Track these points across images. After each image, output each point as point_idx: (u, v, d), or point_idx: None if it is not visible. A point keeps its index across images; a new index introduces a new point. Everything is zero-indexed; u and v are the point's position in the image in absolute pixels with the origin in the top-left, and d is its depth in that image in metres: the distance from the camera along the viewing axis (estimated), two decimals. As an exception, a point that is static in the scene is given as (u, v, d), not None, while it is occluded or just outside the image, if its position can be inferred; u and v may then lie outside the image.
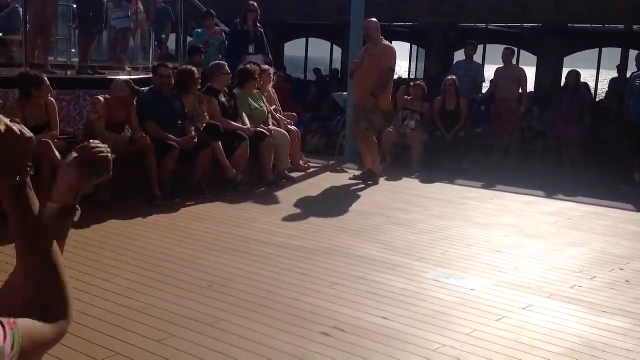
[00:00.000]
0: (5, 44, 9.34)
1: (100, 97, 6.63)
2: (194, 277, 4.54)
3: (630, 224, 6.73)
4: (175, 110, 7.08)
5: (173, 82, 7.20)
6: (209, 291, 4.28)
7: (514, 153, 10.43)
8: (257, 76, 8.14)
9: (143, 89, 7.18)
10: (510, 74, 10.48)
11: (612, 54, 16.87)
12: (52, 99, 6.39)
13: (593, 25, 15.47)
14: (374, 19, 8.37)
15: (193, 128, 7.10)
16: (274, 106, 8.77)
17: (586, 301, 4.38)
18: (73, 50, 9.32)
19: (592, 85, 14.64)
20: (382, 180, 8.46)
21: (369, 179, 8.19)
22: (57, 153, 5.93)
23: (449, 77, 10.19)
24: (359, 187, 7.99)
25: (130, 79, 7.08)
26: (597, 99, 14.04)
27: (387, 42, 8.30)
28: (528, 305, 4.25)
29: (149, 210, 6.26)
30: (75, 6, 8.97)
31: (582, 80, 10.57)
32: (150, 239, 5.37)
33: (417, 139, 9.65)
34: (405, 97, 10.08)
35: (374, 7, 13.85)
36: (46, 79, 6.21)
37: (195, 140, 6.91)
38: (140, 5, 9.63)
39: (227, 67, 7.93)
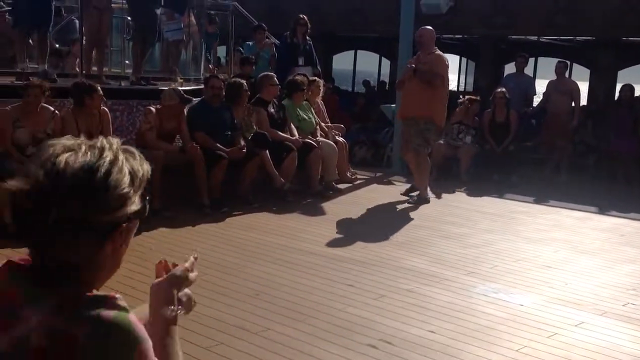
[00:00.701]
0: (61, 55, 9.63)
1: (151, 108, 6.76)
2: (241, 285, 4.57)
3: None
4: (225, 121, 7.18)
5: (223, 93, 7.33)
6: (256, 300, 4.30)
7: (565, 167, 10.23)
8: (305, 87, 8.19)
9: (194, 99, 7.31)
10: (562, 87, 10.31)
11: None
12: (106, 109, 6.55)
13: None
14: (430, 27, 7.90)
15: (242, 139, 7.19)
16: (323, 117, 8.81)
17: (637, 318, 4.26)
18: (127, 62, 9.54)
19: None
20: (429, 192, 8.37)
21: (420, 202, 7.64)
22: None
23: (499, 90, 10.07)
24: (406, 199, 7.93)
25: (182, 89, 7.20)
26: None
27: (440, 52, 7.80)
28: (580, 323, 4.15)
29: (198, 218, 6.34)
30: (129, 18, 9.18)
31: (637, 94, 10.34)
32: (199, 248, 5.43)
33: (467, 152, 9.57)
34: (461, 110, 9.99)
35: (424, 19, 13.88)
36: (99, 88, 6.36)
37: (244, 150, 6.99)
38: (193, 18, 9.81)
39: (275, 78, 8.01)
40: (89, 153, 1.21)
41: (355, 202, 7.58)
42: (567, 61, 11.81)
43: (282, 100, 8.15)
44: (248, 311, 4.09)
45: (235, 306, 4.17)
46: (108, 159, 1.21)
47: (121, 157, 1.24)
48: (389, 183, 8.99)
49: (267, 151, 7.30)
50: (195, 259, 1.58)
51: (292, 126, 7.96)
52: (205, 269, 4.87)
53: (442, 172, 9.58)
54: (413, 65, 7.54)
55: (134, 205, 1.25)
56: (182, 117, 6.91)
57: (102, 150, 1.23)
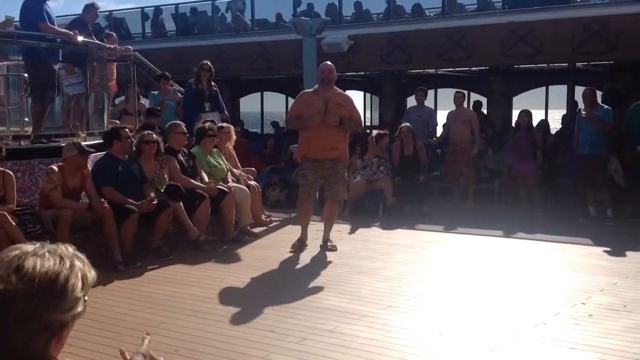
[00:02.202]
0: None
1: (53, 167, 6.58)
2: (159, 342, 4.45)
3: (589, 257, 6.88)
4: (133, 172, 7.06)
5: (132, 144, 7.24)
6: (175, 357, 4.21)
7: (472, 194, 10.61)
8: (213, 133, 8.18)
9: (95, 152, 7.16)
10: (461, 117, 10.75)
11: (559, 92, 17.43)
12: (10, 172, 6.32)
13: (538, 65, 16.01)
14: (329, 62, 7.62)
15: (153, 191, 7.08)
16: (234, 162, 8.80)
17: (552, 337, 4.44)
18: (26, 119, 9.25)
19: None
20: (344, 229, 8.50)
21: (333, 248, 7.31)
22: (14, 224, 5.86)
23: (404, 125, 10.43)
24: (321, 238, 7.98)
25: (86, 144, 7.05)
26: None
27: (341, 90, 7.61)
28: (495, 347, 4.28)
29: (111, 276, 6.16)
30: (26, 75, 8.93)
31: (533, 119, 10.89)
32: (113, 306, 5.27)
33: (386, 182, 9.81)
34: (375, 145, 10.26)
35: (325, 57, 14.19)
36: (-1, 148, 6.14)
37: (155, 202, 6.87)
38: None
39: (182, 127, 7.97)
40: (51, 259, 1.40)
41: (271, 245, 7.59)
42: (464, 91, 12.33)
43: (191, 149, 8.11)
44: (169, 369, 4.00)
45: (155, 365, 4.06)
46: (67, 265, 1.41)
47: (76, 263, 1.43)
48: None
49: (181, 202, 7.22)
50: (148, 340, 1.96)
51: (203, 174, 7.92)
52: (123, 328, 4.74)
53: (357, 206, 9.77)
54: (337, 117, 7.13)
55: (80, 307, 1.44)
56: (87, 172, 6.75)
57: (61, 257, 1.42)
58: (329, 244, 7.37)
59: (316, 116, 7.15)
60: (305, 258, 6.98)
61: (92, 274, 1.48)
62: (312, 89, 7.54)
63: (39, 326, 1.37)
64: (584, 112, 9.28)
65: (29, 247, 1.43)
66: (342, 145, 7.31)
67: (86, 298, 1.46)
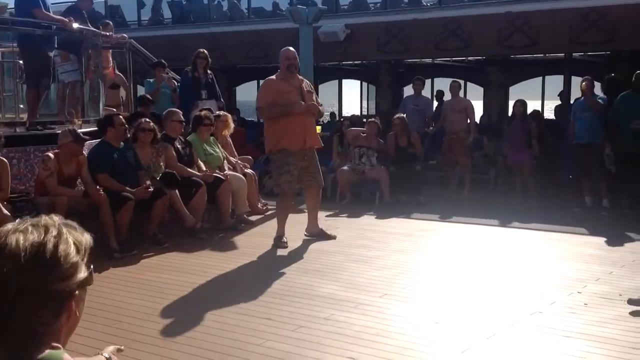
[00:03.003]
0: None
1: (49, 154, 6.55)
2: (154, 329, 4.47)
3: (584, 246, 6.89)
4: (128, 160, 7.04)
5: (126, 131, 7.22)
6: (172, 343, 4.21)
7: (468, 183, 10.62)
8: (209, 122, 8.16)
9: (90, 139, 7.14)
10: (457, 106, 10.74)
11: (555, 82, 17.41)
12: (4, 159, 6.29)
13: (535, 55, 15.99)
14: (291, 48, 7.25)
15: (149, 178, 7.07)
16: (230, 150, 8.78)
17: (547, 326, 4.45)
18: (21, 106, 9.20)
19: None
20: (340, 218, 8.51)
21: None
22: (6, 212, 5.84)
23: (396, 116, 10.42)
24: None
25: (82, 131, 7.02)
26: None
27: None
28: (491, 335, 4.29)
29: (107, 264, 6.15)
30: (21, 62, 8.88)
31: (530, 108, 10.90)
32: (110, 294, 5.27)
33: (383, 173, 9.75)
34: (361, 134, 10.21)
35: (322, 46, 14.16)
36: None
37: (151, 189, 6.86)
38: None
39: (179, 115, 7.95)
40: (35, 232, 1.35)
41: (267, 234, 7.57)
42: (460, 81, 12.31)
43: (188, 136, 8.09)
44: (165, 356, 4.00)
45: (152, 352, 4.07)
46: (53, 233, 1.35)
47: (64, 230, 1.37)
48: (300, 212, 9.01)
49: (177, 190, 7.21)
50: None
51: (200, 162, 7.90)
52: (120, 316, 4.74)
53: (354, 196, 9.77)
54: (317, 105, 6.96)
55: (82, 272, 1.38)
56: (82, 159, 6.72)
57: (46, 227, 1.36)
58: (328, 232, 7.30)
59: (296, 104, 6.78)
60: (301, 246, 6.98)
61: (85, 237, 1.42)
62: (275, 76, 7.03)
63: (41, 300, 1.32)
64: (583, 88, 9.18)
65: (8, 225, 1.38)
66: (316, 134, 7.17)
67: (90, 265, 1.41)
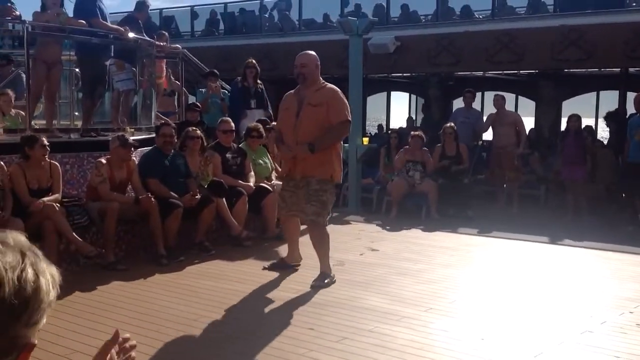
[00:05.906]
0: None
1: (102, 160, 6.70)
2: (197, 336, 4.50)
3: (637, 266, 6.69)
4: (178, 167, 7.16)
5: (175, 140, 7.35)
6: (215, 350, 4.23)
7: (516, 199, 10.43)
8: (255, 134, 8.18)
9: (139, 146, 7.29)
10: (504, 120, 10.58)
11: (610, 97, 17.00)
12: (56, 163, 6.45)
13: (589, 70, 15.66)
14: (312, 52, 6.25)
15: (197, 187, 7.17)
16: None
17: (597, 346, 4.33)
18: (76, 113, 9.44)
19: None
20: (386, 230, 8.46)
21: (323, 283, 5.84)
22: (62, 217, 5.98)
23: (448, 125, 10.29)
24: (363, 238, 7.96)
25: (134, 139, 7.17)
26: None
27: (330, 85, 6.10)
28: (539, 354, 4.19)
29: (154, 270, 6.24)
30: (78, 70, 9.11)
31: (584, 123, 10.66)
32: (156, 299, 5.34)
33: (432, 187, 9.64)
34: (406, 147, 10.14)
35: (372, 59, 14.15)
36: (42, 138, 6.25)
37: (198, 197, 6.95)
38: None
39: (228, 124, 8.04)
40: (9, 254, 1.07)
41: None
42: (503, 94, 12.09)
43: (240, 145, 8.19)
44: (208, 362, 4.03)
45: (195, 358, 4.10)
46: (31, 260, 1.09)
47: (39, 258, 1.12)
48: (346, 223, 9.02)
49: (224, 199, 7.29)
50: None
51: (252, 172, 7.95)
52: (163, 321, 4.79)
53: (401, 209, 9.68)
54: (305, 147, 5.78)
55: (44, 319, 1.13)
56: (132, 165, 6.86)
57: (21, 250, 1.10)
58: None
59: (283, 146, 6.10)
60: (345, 258, 6.95)
61: (53, 272, 1.14)
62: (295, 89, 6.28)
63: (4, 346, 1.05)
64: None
65: None
66: (311, 159, 5.84)
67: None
